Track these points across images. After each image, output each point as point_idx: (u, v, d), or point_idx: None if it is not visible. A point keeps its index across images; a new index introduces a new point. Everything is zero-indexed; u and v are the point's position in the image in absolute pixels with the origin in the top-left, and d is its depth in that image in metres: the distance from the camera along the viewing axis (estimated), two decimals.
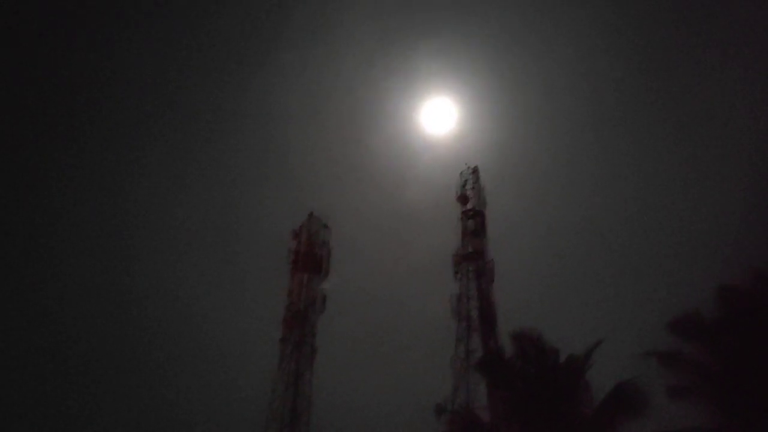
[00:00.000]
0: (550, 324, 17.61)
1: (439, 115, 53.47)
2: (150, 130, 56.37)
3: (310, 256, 33.00)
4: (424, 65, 57.17)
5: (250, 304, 42.48)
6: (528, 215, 50.61)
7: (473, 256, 33.51)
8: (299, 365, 30.48)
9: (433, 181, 46.93)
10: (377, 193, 56.08)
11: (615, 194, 51.28)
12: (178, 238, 50.92)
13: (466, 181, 35.81)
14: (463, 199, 35.22)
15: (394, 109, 57.44)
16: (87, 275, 47.87)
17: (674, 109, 50.73)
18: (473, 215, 34.63)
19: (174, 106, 62.06)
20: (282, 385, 30.04)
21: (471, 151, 49.10)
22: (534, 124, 56.27)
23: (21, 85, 50.52)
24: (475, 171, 36.01)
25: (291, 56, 56.86)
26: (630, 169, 51.48)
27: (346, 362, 38.26)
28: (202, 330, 43.97)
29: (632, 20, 53.60)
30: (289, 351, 30.72)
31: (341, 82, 62.39)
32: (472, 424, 16.87)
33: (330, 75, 62.72)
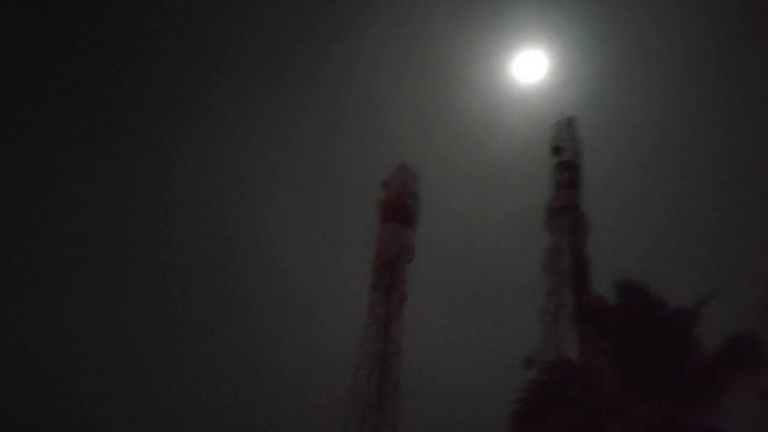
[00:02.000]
0: (656, 278, 16.83)
1: (530, 66, 51.79)
2: (245, 79, 57.70)
3: (400, 207, 33.23)
4: (516, 14, 55.17)
5: (340, 253, 43.43)
6: (627, 167, 48.54)
7: (567, 210, 32.69)
8: (389, 311, 31.05)
9: (524, 132, 45.78)
10: (467, 145, 55.53)
11: (732, 139, 47.95)
12: (267, 187, 52.42)
13: (561, 132, 34.72)
14: (557, 150, 34.22)
15: (484, 59, 56.12)
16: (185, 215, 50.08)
17: None
18: (568, 167, 33.64)
19: (267, 57, 63.12)
20: (372, 330, 30.75)
21: (564, 103, 47.24)
22: (631, 73, 53.37)
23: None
24: (570, 121, 34.79)
25: (382, 8, 56.21)
26: (748, 107, 47.78)
27: (435, 312, 38.61)
28: (292, 279, 45.44)
29: None
30: (379, 298, 31.32)
31: (431, 33, 61.29)
32: (570, 372, 16.59)
33: (420, 26, 61.69)
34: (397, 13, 57.93)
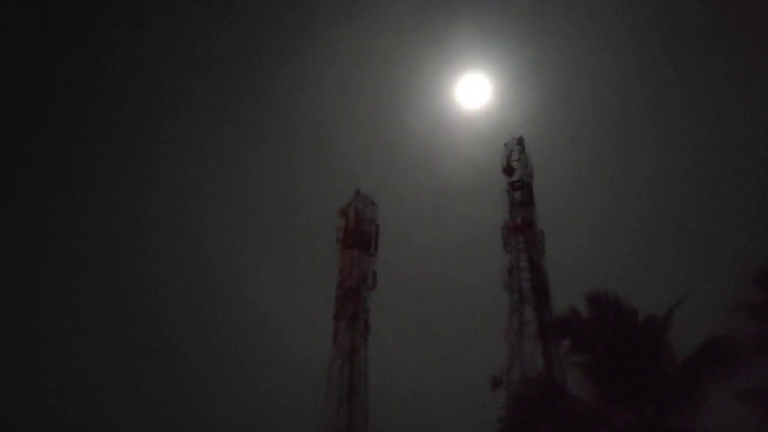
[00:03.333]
0: (621, 288, 17.17)
1: (474, 90, 53.01)
2: (189, 115, 56.93)
3: (359, 233, 33.14)
4: (458, 39, 56.61)
5: (301, 284, 42.86)
6: (578, 183, 50.01)
7: (522, 228, 33.28)
8: (354, 341, 30.69)
9: (474, 155, 46.60)
10: (419, 171, 56.10)
11: (681, 146, 49.98)
12: (224, 224, 51.50)
13: (511, 152, 35.48)
14: (509, 170, 34.92)
15: (429, 86, 57.14)
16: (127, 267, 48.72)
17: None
18: (520, 186, 34.34)
19: (210, 91, 62.54)
20: (338, 361, 30.30)
21: (510, 124, 48.50)
22: (576, 91, 55.40)
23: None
24: (520, 142, 35.63)
25: (327, 35, 56.68)
26: (702, 114, 50.08)
27: (399, 338, 38.38)
28: (255, 313, 44.51)
29: None
30: (343, 327, 30.95)
31: (376, 61, 62.20)
32: (551, 387, 16.72)
33: (364, 54, 62.46)
34: (343, 42, 58.56)
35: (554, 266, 32.40)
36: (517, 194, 34.19)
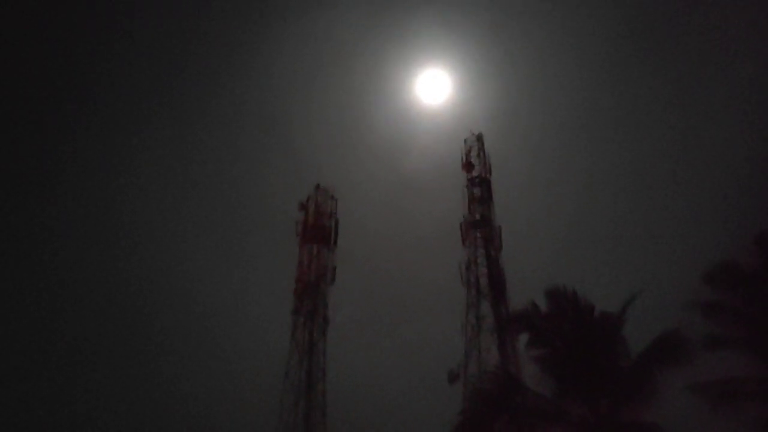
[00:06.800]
0: (577, 285, 17.54)
1: (434, 86, 53.31)
2: (147, 110, 55.57)
3: (319, 228, 32.93)
4: (419, 35, 56.83)
5: (260, 279, 42.40)
6: (536, 181, 50.78)
7: (480, 224, 33.65)
8: (312, 336, 30.55)
9: (434, 151, 46.85)
10: (379, 165, 56.02)
11: (636, 146, 51.21)
12: (181, 219, 50.46)
13: (470, 148, 35.80)
14: (468, 166, 35.22)
15: (390, 80, 57.18)
16: (86, 262, 47.43)
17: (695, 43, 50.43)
18: (479, 182, 34.70)
19: (171, 85, 61.15)
20: (296, 356, 30.12)
21: (470, 119, 49.01)
22: (536, 88, 56.21)
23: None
24: (479, 138, 35.97)
25: (289, 29, 55.99)
26: (656, 115, 51.36)
27: (358, 332, 38.40)
28: (212, 309, 43.83)
29: None
30: (301, 322, 30.76)
31: (338, 55, 61.91)
32: (510, 381, 17.01)
33: (326, 48, 62.07)
34: (304, 36, 58.03)
35: (511, 262, 32.87)
36: (476, 190, 34.50)
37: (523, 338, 18.01)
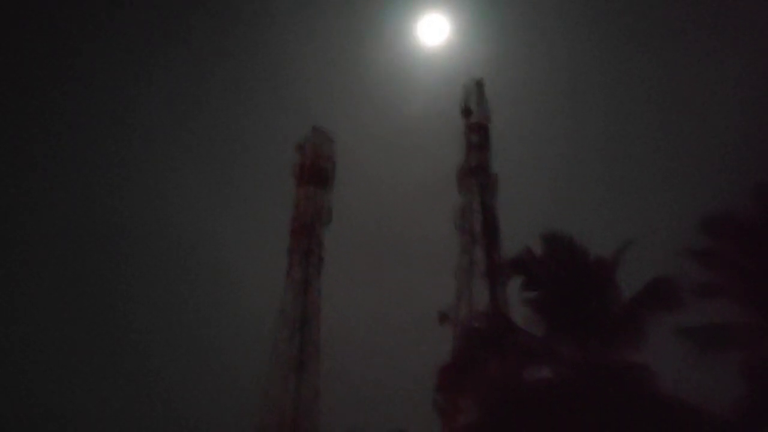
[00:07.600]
0: (573, 231, 17.76)
1: (434, 29, 52.45)
2: (148, 51, 54.41)
3: (316, 169, 32.99)
4: None
5: (257, 218, 42.63)
6: (534, 127, 50.64)
7: (477, 170, 33.76)
8: (307, 274, 30.99)
9: (433, 95, 46.53)
10: (379, 108, 55.63)
11: (635, 94, 50.89)
12: (178, 158, 50.21)
13: (469, 94, 35.55)
14: (466, 112, 35.08)
15: (389, 24, 56.17)
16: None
17: None
18: (477, 128, 34.62)
19: (172, 23, 59.72)
20: (291, 293, 30.63)
21: (470, 63, 48.39)
22: (535, 33, 55.40)
23: None
24: (478, 84, 35.69)
25: None
26: (652, 65, 50.89)
27: (352, 273, 38.91)
28: (211, 249, 44.18)
29: None
30: (297, 261, 31.15)
31: None
32: (503, 322, 17.45)
33: None
34: None
35: (507, 209, 33.16)
36: (474, 137, 34.51)
37: (515, 283, 18.33)
